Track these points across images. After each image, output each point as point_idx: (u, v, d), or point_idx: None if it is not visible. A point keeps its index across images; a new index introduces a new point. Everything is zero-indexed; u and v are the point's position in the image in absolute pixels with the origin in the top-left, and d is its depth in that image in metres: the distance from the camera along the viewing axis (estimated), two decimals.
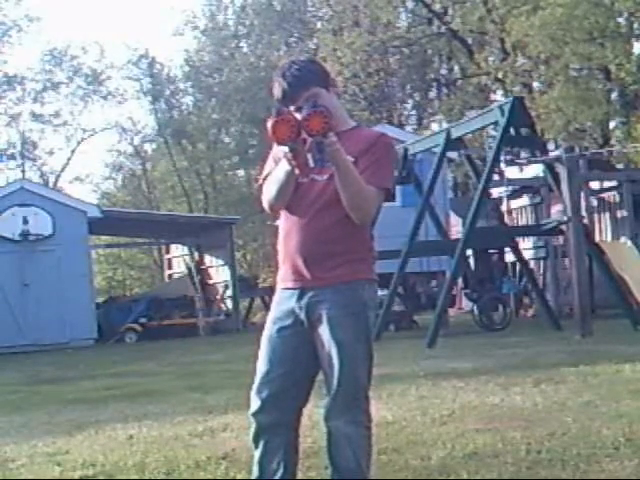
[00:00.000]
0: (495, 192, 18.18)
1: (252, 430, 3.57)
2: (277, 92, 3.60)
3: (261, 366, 3.53)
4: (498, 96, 27.03)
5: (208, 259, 26.56)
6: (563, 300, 17.21)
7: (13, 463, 5.53)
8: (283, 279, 3.52)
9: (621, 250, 15.33)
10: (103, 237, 30.77)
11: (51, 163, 41.79)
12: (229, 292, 24.81)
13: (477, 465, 4.44)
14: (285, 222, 3.55)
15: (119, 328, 22.36)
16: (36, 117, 39.05)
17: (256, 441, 3.56)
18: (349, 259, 3.46)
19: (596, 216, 17.65)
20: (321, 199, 3.44)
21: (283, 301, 3.50)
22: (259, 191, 3.65)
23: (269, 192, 3.52)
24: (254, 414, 3.54)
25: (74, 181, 42.29)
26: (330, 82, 3.61)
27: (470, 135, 17.91)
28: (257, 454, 3.57)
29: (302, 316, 3.44)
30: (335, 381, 3.46)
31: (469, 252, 17.64)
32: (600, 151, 19.86)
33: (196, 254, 26.68)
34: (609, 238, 17.43)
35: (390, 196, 3.66)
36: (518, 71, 24.49)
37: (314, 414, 6.46)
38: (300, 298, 3.44)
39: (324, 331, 3.41)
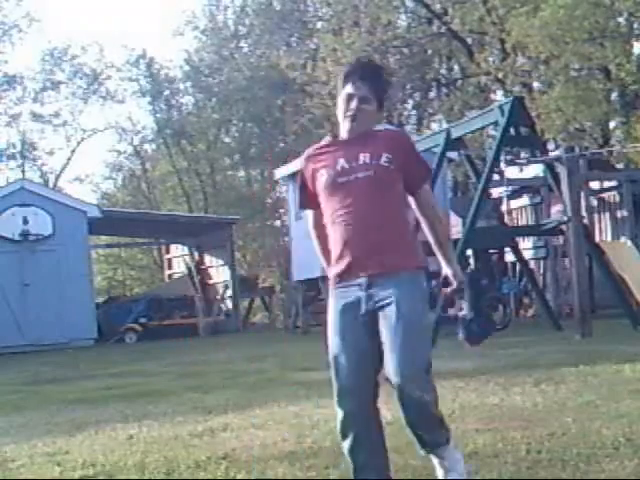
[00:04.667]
0: (495, 192, 18.16)
1: (339, 421, 3.73)
2: (343, 75, 3.86)
3: (336, 358, 3.71)
4: (498, 96, 27.00)
5: (208, 259, 26.58)
6: (563, 300, 17.21)
7: (13, 463, 5.53)
8: (344, 273, 3.74)
9: (621, 250, 15.32)
10: (103, 237, 30.78)
11: (51, 163, 41.87)
12: (229, 292, 24.83)
13: (477, 465, 4.44)
14: (336, 220, 3.76)
15: (119, 328, 22.39)
16: (36, 117, 39.06)
17: (344, 432, 3.73)
18: (405, 249, 3.74)
19: (596, 216, 17.64)
20: (371, 196, 3.71)
21: (347, 294, 3.73)
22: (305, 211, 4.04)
23: (316, 246, 4.00)
24: (338, 404, 3.71)
25: (74, 181, 42.38)
26: (384, 101, 3.93)
27: (470, 135, 17.89)
28: (347, 445, 3.74)
29: (369, 306, 3.68)
30: (409, 356, 3.64)
31: (469, 252, 17.64)
32: (600, 151, 19.84)
33: (196, 254, 26.70)
34: (609, 238, 17.42)
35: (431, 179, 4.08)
36: (518, 71, 24.46)
37: (314, 414, 6.48)
38: (367, 288, 3.69)
39: (394, 315, 3.63)
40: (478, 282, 4.01)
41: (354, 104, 3.78)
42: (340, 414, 3.71)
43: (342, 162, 3.80)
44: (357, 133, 3.80)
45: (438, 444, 3.83)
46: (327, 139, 3.99)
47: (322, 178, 3.83)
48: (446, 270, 3.88)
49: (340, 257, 3.76)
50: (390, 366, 3.64)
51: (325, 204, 3.83)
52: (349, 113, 3.80)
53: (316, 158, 3.95)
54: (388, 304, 3.66)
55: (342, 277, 3.76)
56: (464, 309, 3.85)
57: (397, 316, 3.63)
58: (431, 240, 3.86)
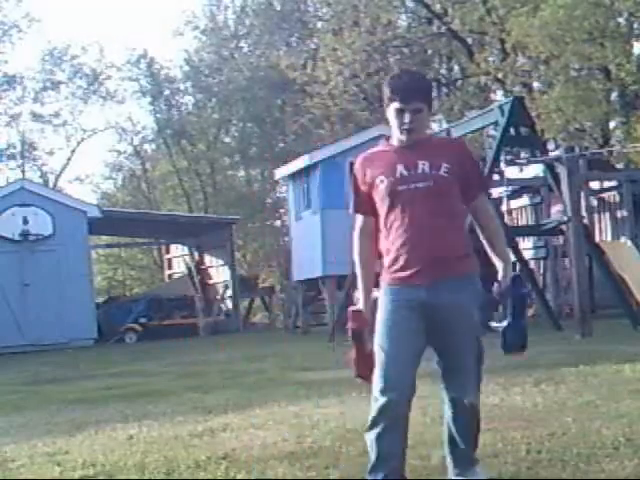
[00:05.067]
0: (495, 192, 18.17)
1: (376, 408, 3.79)
2: (389, 91, 3.89)
3: (386, 350, 3.80)
4: (498, 96, 27.00)
5: (208, 259, 26.58)
6: (563, 300, 17.20)
7: (13, 463, 5.53)
8: (402, 277, 3.84)
9: (621, 250, 15.32)
10: (103, 237, 30.78)
11: (51, 163, 41.84)
12: (229, 292, 24.83)
13: None
14: (395, 227, 3.85)
15: (119, 328, 22.39)
16: (36, 117, 39.05)
17: (376, 420, 3.80)
18: (461, 256, 3.87)
19: (596, 216, 17.64)
20: (431, 206, 3.80)
21: (402, 295, 3.84)
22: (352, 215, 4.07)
23: (355, 252, 4.04)
24: (381, 392, 3.78)
25: (74, 181, 42.36)
26: (432, 102, 4.06)
27: (470, 135, 17.90)
28: (374, 433, 3.82)
29: (424, 308, 3.80)
30: (464, 362, 3.85)
31: None
32: (600, 151, 19.84)
33: (196, 254, 26.69)
34: (609, 238, 17.43)
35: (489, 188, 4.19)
36: (518, 71, 24.46)
37: (314, 414, 6.48)
38: (424, 292, 3.80)
39: (453, 320, 3.80)
40: (519, 288, 4.01)
41: (407, 118, 3.81)
42: (380, 402, 3.77)
43: (401, 169, 3.84)
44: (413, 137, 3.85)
45: (474, 460, 4.00)
46: (382, 143, 4.03)
47: (382, 185, 3.86)
48: (501, 276, 3.93)
49: (396, 261, 3.85)
50: (447, 370, 3.89)
51: (383, 211, 3.88)
52: (404, 127, 3.82)
53: (372, 163, 3.96)
54: (446, 308, 3.80)
55: (399, 280, 3.86)
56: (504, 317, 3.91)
57: (457, 323, 3.81)
58: (487, 246, 3.96)
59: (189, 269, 26.07)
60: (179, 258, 28.09)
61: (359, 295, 4.06)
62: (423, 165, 3.82)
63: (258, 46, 36.79)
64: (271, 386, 8.86)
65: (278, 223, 37.80)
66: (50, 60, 38.71)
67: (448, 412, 3.98)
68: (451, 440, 4.00)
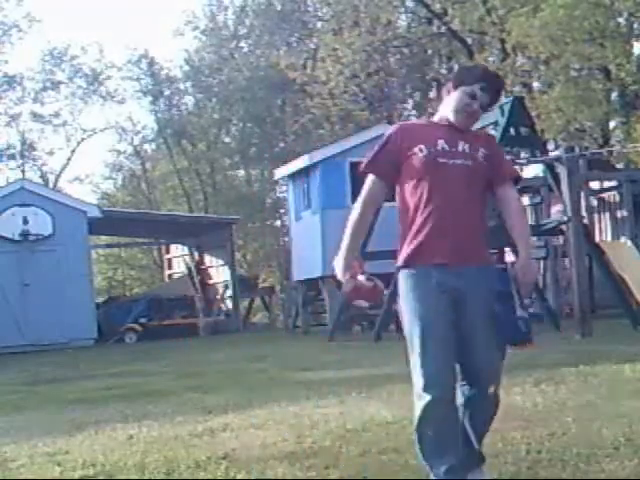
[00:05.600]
0: None
1: (422, 406, 3.68)
2: (480, 74, 3.98)
3: (421, 343, 3.68)
4: None
5: (208, 259, 26.57)
6: (563, 300, 17.20)
7: (13, 463, 5.53)
8: (431, 255, 3.71)
9: (621, 250, 15.32)
10: (103, 237, 30.77)
11: (51, 163, 41.90)
12: (229, 292, 24.83)
13: None
14: (425, 200, 3.75)
15: (119, 328, 22.38)
16: (36, 117, 39.05)
17: (422, 420, 3.70)
18: (484, 243, 3.87)
19: (596, 216, 17.64)
20: (467, 185, 3.76)
21: (428, 278, 3.71)
22: (363, 173, 3.93)
23: (353, 219, 3.96)
24: (425, 388, 3.66)
25: (74, 181, 42.38)
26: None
27: None
28: (424, 436, 3.73)
29: (453, 294, 3.71)
30: (487, 352, 3.77)
31: None
32: (600, 151, 19.86)
33: (196, 254, 26.68)
34: (609, 238, 17.43)
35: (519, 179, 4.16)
36: (518, 71, 24.48)
37: (314, 414, 6.48)
38: (453, 275, 3.71)
39: (481, 306, 3.73)
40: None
41: (476, 106, 3.88)
42: (425, 400, 3.66)
43: (442, 143, 3.81)
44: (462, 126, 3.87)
45: (481, 459, 3.93)
46: (422, 118, 4.11)
47: (420, 153, 3.78)
48: (520, 264, 3.88)
49: (428, 237, 3.74)
50: (475, 359, 3.76)
51: (416, 180, 3.78)
52: (469, 109, 3.87)
53: (411, 132, 3.92)
54: (472, 297, 3.74)
55: (426, 257, 3.74)
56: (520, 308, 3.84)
57: (481, 310, 3.74)
58: (513, 234, 3.91)
59: (189, 269, 26.05)
60: (179, 258, 28.08)
61: (340, 262, 3.87)
62: (464, 145, 3.83)
63: (258, 46, 36.80)
64: (271, 386, 8.86)
65: (278, 223, 37.81)
66: (50, 60, 38.72)
67: (467, 408, 3.83)
68: (465, 439, 3.85)
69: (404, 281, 3.80)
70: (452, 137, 3.84)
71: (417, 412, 3.71)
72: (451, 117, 3.89)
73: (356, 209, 3.92)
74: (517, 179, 4.01)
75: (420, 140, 3.82)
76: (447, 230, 3.72)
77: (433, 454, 3.72)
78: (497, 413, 3.93)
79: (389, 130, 3.97)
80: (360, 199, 3.92)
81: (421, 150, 3.78)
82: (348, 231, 3.92)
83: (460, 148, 3.81)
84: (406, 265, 3.81)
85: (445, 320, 3.69)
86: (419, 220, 3.77)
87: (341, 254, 3.89)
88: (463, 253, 3.73)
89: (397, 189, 3.90)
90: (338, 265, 3.88)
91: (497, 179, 3.89)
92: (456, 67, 32.13)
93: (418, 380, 3.69)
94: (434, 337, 3.67)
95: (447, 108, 3.92)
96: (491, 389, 3.81)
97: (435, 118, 3.99)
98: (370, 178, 3.90)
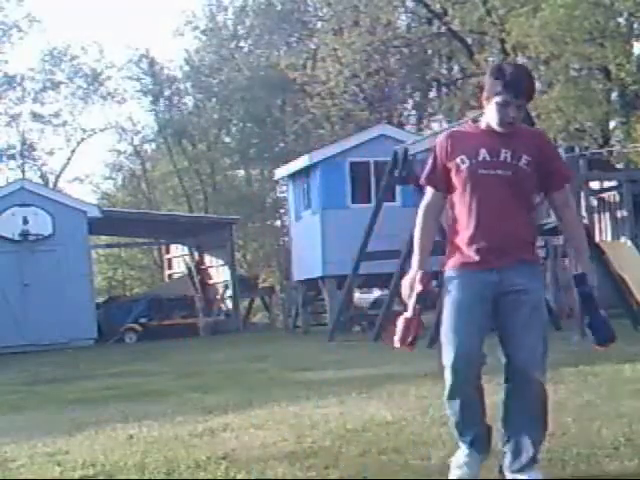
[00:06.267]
0: None
1: (449, 384, 3.93)
2: (501, 83, 3.89)
3: (457, 328, 3.89)
4: None
5: (208, 259, 26.56)
6: (563, 300, 17.20)
7: (13, 463, 5.52)
8: (475, 261, 3.91)
9: (621, 250, 15.33)
10: (103, 237, 30.76)
11: (51, 163, 41.85)
12: (229, 292, 24.82)
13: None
14: (471, 210, 3.91)
15: (119, 328, 22.37)
16: (36, 117, 39.05)
17: (452, 391, 3.94)
18: (529, 245, 4.00)
19: (596, 216, 17.63)
20: (508, 195, 3.88)
21: (474, 278, 3.90)
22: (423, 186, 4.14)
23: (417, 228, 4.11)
24: (453, 367, 3.89)
25: (74, 181, 42.37)
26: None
27: None
28: (456, 405, 3.97)
29: (496, 291, 3.89)
30: (534, 336, 3.93)
31: None
32: (600, 151, 19.88)
33: (196, 254, 26.68)
34: (609, 238, 17.43)
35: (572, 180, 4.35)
36: None
37: (314, 414, 6.48)
38: (496, 276, 3.89)
39: (524, 303, 3.89)
40: (581, 286, 4.14)
41: (513, 112, 3.87)
42: (451, 379, 3.89)
43: (484, 153, 3.90)
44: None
45: (536, 458, 3.96)
46: (468, 124, 4.10)
47: (463, 165, 3.92)
48: (581, 270, 4.02)
49: (471, 245, 3.91)
50: (518, 350, 3.90)
51: (459, 191, 3.94)
52: (508, 120, 3.87)
53: (457, 141, 4.00)
54: (517, 292, 3.88)
55: (472, 264, 3.92)
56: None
57: (527, 304, 3.89)
58: (568, 240, 4.09)
59: (189, 269, 26.05)
60: (179, 258, 28.07)
61: (415, 266, 4.08)
62: (505, 154, 3.88)
63: (258, 46, 36.81)
64: (271, 386, 8.86)
65: (278, 223, 37.81)
66: (50, 60, 38.73)
67: (511, 396, 3.99)
68: (511, 427, 3.98)
69: (447, 285, 3.99)
70: (495, 145, 3.92)
71: (447, 382, 3.94)
72: (493, 125, 3.95)
73: (418, 222, 4.10)
74: (565, 180, 4.08)
75: (463, 151, 3.94)
76: (489, 239, 3.89)
77: (459, 425, 4.00)
78: (545, 414, 4.11)
79: (437, 139, 4.12)
80: (421, 211, 4.09)
81: (463, 161, 3.92)
82: (416, 246, 4.12)
83: (502, 157, 3.89)
84: (449, 271, 4.01)
85: (482, 309, 3.89)
86: (463, 231, 3.94)
87: (413, 268, 4.08)
88: (504, 258, 3.90)
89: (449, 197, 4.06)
90: (409, 280, 4.06)
91: (549, 186, 4.00)
92: (456, 67, 32.21)
93: (446, 353, 3.91)
94: (466, 319, 3.88)
95: (488, 117, 3.97)
96: (535, 373, 4.00)
97: (482, 122, 4.01)
98: (429, 190, 4.08)
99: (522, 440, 3.96)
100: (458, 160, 3.92)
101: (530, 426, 4.00)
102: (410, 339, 4.02)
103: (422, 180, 4.09)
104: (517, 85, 3.86)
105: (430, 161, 4.06)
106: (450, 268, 3.99)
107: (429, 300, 4.14)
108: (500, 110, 3.86)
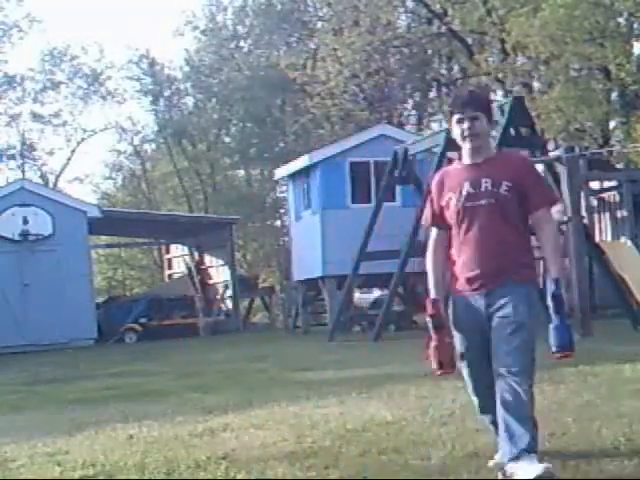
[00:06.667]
0: None
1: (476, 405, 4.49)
2: (449, 105, 4.46)
3: (463, 353, 4.33)
4: (498, 96, 27.01)
5: (208, 259, 26.56)
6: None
7: (13, 463, 5.53)
8: (468, 286, 4.27)
9: (621, 250, 15.33)
10: (103, 237, 30.77)
11: (51, 163, 41.88)
12: (229, 292, 24.82)
13: (477, 465, 4.44)
14: (460, 239, 4.29)
15: (119, 328, 22.38)
16: (36, 117, 39.05)
17: (483, 412, 4.49)
18: (522, 264, 4.27)
19: (596, 216, 17.63)
20: (493, 222, 4.21)
21: (469, 301, 4.27)
22: (426, 230, 4.63)
23: (428, 261, 4.47)
24: (474, 394, 4.44)
25: (74, 181, 42.38)
26: (493, 116, 4.45)
27: None
28: (487, 419, 4.47)
29: (487, 312, 4.22)
30: (516, 348, 4.17)
31: None
32: (600, 151, 19.87)
33: (196, 254, 26.68)
34: (609, 238, 17.43)
35: (556, 200, 4.67)
36: (518, 71, 24.48)
37: (314, 414, 6.48)
38: (485, 298, 4.22)
39: (504, 317, 4.18)
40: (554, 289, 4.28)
41: (466, 124, 4.23)
42: (474, 400, 4.45)
43: (467, 187, 4.26)
44: (478, 152, 4.27)
45: (528, 443, 4.07)
46: (456, 160, 4.42)
47: (451, 202, 4.30)
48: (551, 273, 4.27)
49: (462, 272, 4.28)
50: (500, 359, 4.15)
51: (454, 225, 4.30)
52: (465, 134, 4.24)
53: (445, 180, 4.38)
54: (502, 313, 4.20)
55: (465, 289, 4.28)
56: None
57: (511, 325, 4.17)
58: (544, 256, 4.29)
59: (189, 269, 26.05)
60: (179, 258, 28.07)
61: (432, 294, 4.42)
62: (486, 183, 4.23)
63: (258, 46, 36.80)
64: (271, 386, 8.86)
65: (278, 223, 37.81)
66: (50, 60, 38.73)
67: (499, 401, 4.17)
68: (506, 427, 4.14)
69: (449, 309, 4.40)
70: (476, 176, 4.26)
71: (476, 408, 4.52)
72: (464, 151, 4.32)
73: (429, 255, 4.45)
74: (545, 202, 4.31)
75: (450, 188, 4.33)
76: (478, 265, 4.23)
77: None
78: (532, 414, 4.18)
79: (432, 181, 4.51)
80: (430, 246, 4.46)
81: (451, 199, 4.31)
82: (431, 276, 4.43)
83: (483, 187, 4.24)
84: (451, 296, 4.40)
85: (478, 330, 4.26)
86: (457, 260, 4.31)
87: (433, 291, 4.42)
88: (492, 279, 4.22)
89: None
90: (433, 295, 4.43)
91: (529, 207, 4.26)
92: (456, 67, 32.21)
93: (465, 377, 4.41)
94: (468, 346, 4.31)
95: (459, 143, 4.36)
96: (517, 375, 4.15)
97: (463, 155, 4.36)
98: (433, 230, 4.46)
99: (510, 441, 4.11)
100: (447, 198, 4.31)
101: (517, 429, 4.10)
102: (446, 362, 4.33)
103: (427, 223, 4.47)
104: (460, 101, 4.30)
105: (428, 203, 4.46)
106: (451, 294, 4.39)
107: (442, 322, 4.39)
108: (457, 127, 4.26)
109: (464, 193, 4.24)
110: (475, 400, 4.47)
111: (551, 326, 4.24)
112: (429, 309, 4.36)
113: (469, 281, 4.26)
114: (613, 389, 6.67)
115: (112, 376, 11.55)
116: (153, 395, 8.80)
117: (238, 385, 9.21)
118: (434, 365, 4.33)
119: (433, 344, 4.32)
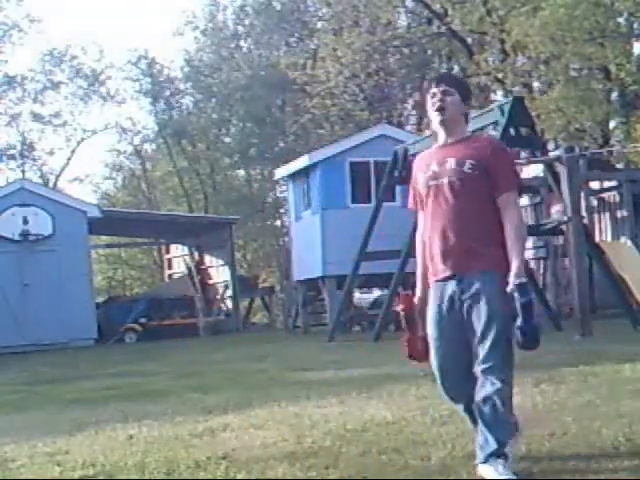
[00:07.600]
0: None
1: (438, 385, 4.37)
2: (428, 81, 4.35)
3: (432, 343, 4.23)
4: (498, 96, 27.01)
5: (208, 259, 26.56)
6: (563, 300, 17.20)
7: (13, 463, 5.53)
8: (436, 271, 4.18)
9: (621, 250, 15.32)
10: (103, 237, 30.77)
11: (51, 163, 41.85)
12: (229, 292, 24.82)
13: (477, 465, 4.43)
14: (429, 221, 4.20)
15: (119, 328, 22.38)
16: (36, 117, 39.06)
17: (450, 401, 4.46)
18: (488, 249, 4.09)
19: (596, 216, 17.64)
20: (455, 200, 4.10)
21: (441, 289, 4.17)
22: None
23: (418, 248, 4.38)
24: (441, 385, 4.32)
25: (74, 181, 42.38)
26: (468, 98, 4.35)
27: None
28: (460, 407, 4.46)
29: (460, 299, 4.11)
30: (489, 343, 4.06)
31: None
32: (600, 151, 19.86)
33: (196, 254, 26.68)
34: (609, 238, 17.42)
35: (520, 187, 4.36)
36: (518, 71, 24.48)
37: (314, 414, 6.48)
38: (457, 285, 4.10)
39: (479, 309, 4.06)
40: (524, 295, 4.16)
41: (437, 97, 4.17)
42: (444, 396, 4.40)
43: (434, 165, 4.20)
44: (451, 133, 4.19)
45: (501, 444, 4.06)
46: (433, 142, 4.40)
47: (420, 181, 4.26)
48: (511, 274, 4.04)
49: (432, 258, 4.20)
50: (475, 353, 4.11)
51: (425, 206, 4.24)
52: (435, 107, 4.17)
53: (417, 161, 4.37)
54: (474, 299, 4.07)
55: (436, 274, 4.20)
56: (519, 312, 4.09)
57: (482, 310, 4.04)
58: (507, 245, 4.08)
59: (189, 269, 26.05)
60: (179, 258, 28.07)
61: (418, 285, 4.38)
62: (450, 161, 4.13)
63: (258, 46, 36.82)
64: (271, 386, 8.86)
65: (278, 223, 37.81)
66: (50, 60, 38.73)
67: (477, 395, 4.15)
68: (481, 431, 4.16)
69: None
70: (443, 156, 4.18)
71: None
72: (437, 129, 4.24)
73: (419, 242, 4.35)
74: (510, 185, 4.16)
75: (420, 169, 4.29)
76: (443, 247, 4.12)
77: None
78: (508, 410, 4.22)
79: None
80: (418, 233, 4.37)
81: (419, 178, 4.26)
82: (419, 263, 4.36)
83: (447, 166, 4.13)
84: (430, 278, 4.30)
85: (450, 319, 4.15)
86: (428, 242, 4.22)
87: (419, 281, 4.38)
88: (457, 264, 4.10)
89: None
90: (417, 288, 4.39)
91: (494, 190, 4.11)
92: (456, 67, 32.20)
93: (434, 369, 4.27)
94: (436, 335, 4.20)
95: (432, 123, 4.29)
96: (493, 372, 4.09)
97: (438, 136, 4.30)
98: (419, 215, 4.36)
99: (487, 434, 4.13)
100: (418, 178, 4.26)
101: (493, 422, 4.12)
102: (418, 355, 4.37)
103: (409, 207, 4.39)
104: (435, 78, 4.32)
105: (410, 188, 4.40)
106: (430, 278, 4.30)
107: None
108: (430, 104, 4.20)
109: (430, 172, 4.18)
110: (442, 391, 4.36)
111: (516, 325, 4.05)
112: (401, 304, 4.37)
113: (438, 267, 4.16)
114: (613, 389, 6.67)
115: (112, 376, 11.55)
116: (153, 395, 8.80)
117: (238, 385, 9.21)
118: (407, 354, 4.39)
119: (405, 337, 4.36)
